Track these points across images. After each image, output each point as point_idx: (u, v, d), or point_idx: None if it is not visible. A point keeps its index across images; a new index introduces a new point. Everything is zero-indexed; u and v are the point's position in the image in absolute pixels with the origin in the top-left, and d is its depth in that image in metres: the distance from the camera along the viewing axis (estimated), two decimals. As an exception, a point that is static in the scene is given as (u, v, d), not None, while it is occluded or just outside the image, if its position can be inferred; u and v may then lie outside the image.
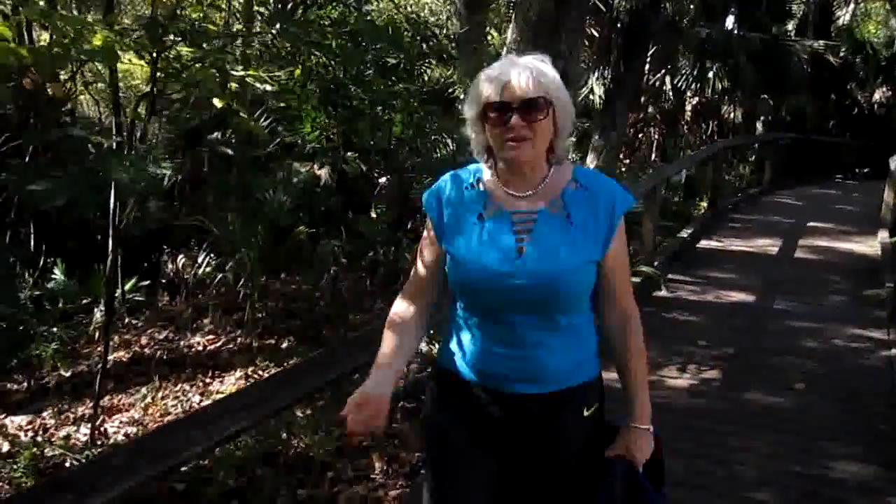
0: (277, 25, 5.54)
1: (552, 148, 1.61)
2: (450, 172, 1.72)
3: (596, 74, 12.55)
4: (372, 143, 7.35)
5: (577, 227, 1.59)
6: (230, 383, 4.81)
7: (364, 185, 7.77)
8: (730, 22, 14.50)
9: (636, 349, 1.68)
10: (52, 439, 4.19)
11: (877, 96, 17.27)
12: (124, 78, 9.25)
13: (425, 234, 1.71)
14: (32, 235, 6.46)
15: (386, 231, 6.86)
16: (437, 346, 2.12)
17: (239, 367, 5.03)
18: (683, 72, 13.66)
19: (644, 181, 7.05)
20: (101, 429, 4.26)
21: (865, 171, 15.46)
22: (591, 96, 12.33)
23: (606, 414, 1.72)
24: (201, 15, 5.73)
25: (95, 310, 5.67)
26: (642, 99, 13.33)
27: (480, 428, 1.66)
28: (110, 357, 4.88)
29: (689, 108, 15.58)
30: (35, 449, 3.94)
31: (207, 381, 4.92)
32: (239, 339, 5.58)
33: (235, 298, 5.96)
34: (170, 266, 6.62)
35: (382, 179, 7.74)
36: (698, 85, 13.73)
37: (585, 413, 1.65)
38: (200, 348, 5.53)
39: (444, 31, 11.26)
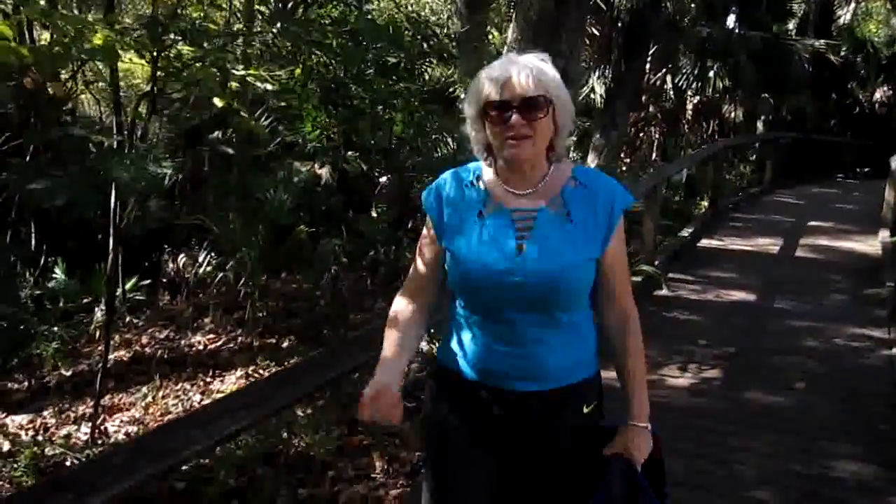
0: (278, 24, 5.53)
1: (552, 146, 1.61)
2: (449, 170, 1.72)
3: (597, 73, 12.54)
4: (373, 142, 7.36)
5: (576, 225, 1.59)
6: (231, 382, 4.81)
7: (365, 184, 7.77)
8: (730, 21, 14.48)
9: (635, 348, 1.68)
10: (53, 438, 4.20)
11: (877, 95, 17.26)
12: (125, 77, 9.24)
13: (424, 231, 1.71)
14: (33, 234, 6.47)
15: (386, 230, 6.86)
16: (436, 344, 2.12)
17: (239, 367, 5.03)
18: (684, 71, 13.64)
19: (645, 180, 7.04)
20: (102, 428, 4.26)
21: (866, 170, 15.46)
22: (591, 95, 12.31)
23: (605, 413, 1.72)
24: (202, 14, 5.75)
25: (96, 309, 5.67)
26: (643, 98, 13.31)
27: (480, 427, 1.66)
28: (111, 356, 4.88)
29: (689, 107, 15.57)
30: (36, 448, 3.94)
31: (208, 380, 4.92)
32: (239, 338, 5.58)
33: (236, 298, 5.97)
34: (170, 265, 6.63)
35: (383, 179, 7.73)
36: (699, 84, 13.71)
37: (585, 411, 1.66)
38: (201, 347, 5.53)
39: (445, 31, 11.27)
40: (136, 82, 10.52)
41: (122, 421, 4.43)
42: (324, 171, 7.51)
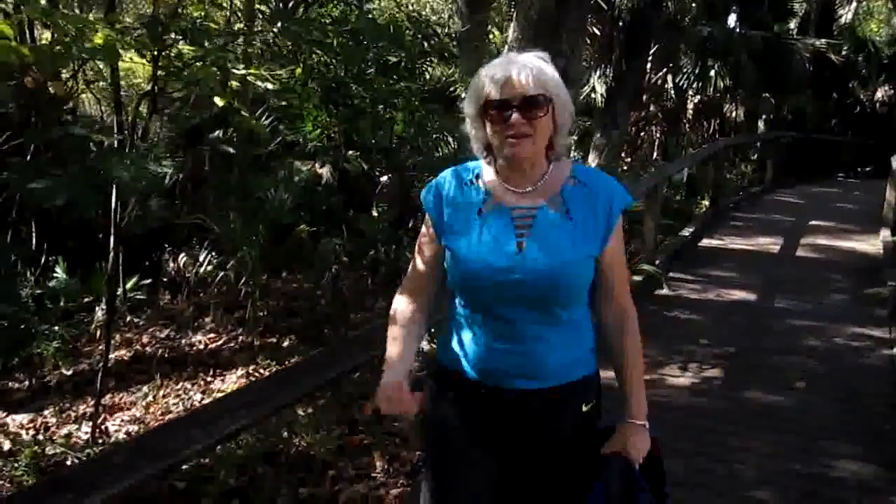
0: (279, 24, 5.53)
1: (552, 145, 1.61)
2: (449, 169, 1.72)
3: (597, 73, 12.52)
4: (373, 141, 7.35)
5: (576, 223, 1.59)
6: (231, 382, 4.82)
7: (365, 183, 7.76)
8: (731, 20, 14.48)
9: (633, 346, 1.69)
10: (54, 437, 4.20)
11: (878, 95, 17.25)
12: (126, 76, 9.24)
13: (424, 230, 1.72)
14: (34, 234, 6.46)
15: (387, 230, 6.85)
16: (436, 344, 2.12)
17: (240, 366, 5.04)
18: (685, 70, 13.63)
19: (645, 179, 7.04)
20: (103, 427, 4.26)
21: (867, 169, 15.46)
22: (592, 95, 12.30)
23: (604, 413, 1.72)
24: (203, 13, 5.73)
25: (97, 308, 5.68)
26: (644, 97, 13.31)
27: (480, 426, 1.66)
28: (112, 355, 4.88)
29: (690, 106, 15.56)
30: (36, 447, 3.94)
31: (209, 379, 4.92)
32: (240, 337, 5.59)
33: (237, 297, 5.97)
34: (171, 265, 6.63)
35: (384, 178, 7.72)
36: (700, 83, 13.70)
37: (584, 409, 1.66)
38: (202, 347, 5.54)
39: (446, 30, 11.26)
40: (136, 81, 10.51)
41: (122, 420, 4.43)
42: (324, 171, 7.51)
